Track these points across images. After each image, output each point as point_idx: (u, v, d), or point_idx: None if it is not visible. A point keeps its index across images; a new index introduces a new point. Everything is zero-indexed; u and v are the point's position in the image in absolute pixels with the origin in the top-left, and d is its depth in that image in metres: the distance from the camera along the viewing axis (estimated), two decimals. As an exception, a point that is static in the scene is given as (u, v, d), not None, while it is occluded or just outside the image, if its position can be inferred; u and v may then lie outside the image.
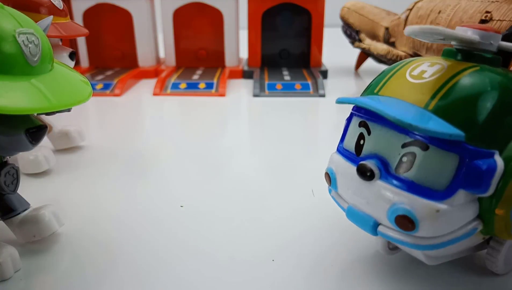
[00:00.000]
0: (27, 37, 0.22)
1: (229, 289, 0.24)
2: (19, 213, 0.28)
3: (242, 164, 0.42)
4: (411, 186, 0.20)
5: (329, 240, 0.29)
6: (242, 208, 0.33)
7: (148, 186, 0.37)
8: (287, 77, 0.72)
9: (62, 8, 0.38)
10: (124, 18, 0.77)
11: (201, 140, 0.48)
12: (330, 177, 0.25)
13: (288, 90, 0.67)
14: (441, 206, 0.20)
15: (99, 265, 0.26)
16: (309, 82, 0.69)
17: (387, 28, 0.72)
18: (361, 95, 0.24)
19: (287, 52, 0.81)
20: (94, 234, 0.30)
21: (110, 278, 0.25)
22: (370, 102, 0.21)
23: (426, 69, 0.22)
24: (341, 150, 0.25)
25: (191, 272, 0.26)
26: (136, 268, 0.26)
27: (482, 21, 0.46)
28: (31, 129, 0.23)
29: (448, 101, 0.20)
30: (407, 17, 0.65)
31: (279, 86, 0.68)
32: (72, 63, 0.39)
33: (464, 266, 0.26)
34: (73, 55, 0.40)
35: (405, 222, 0.20)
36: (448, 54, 0.23)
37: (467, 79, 0.21)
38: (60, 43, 0.41)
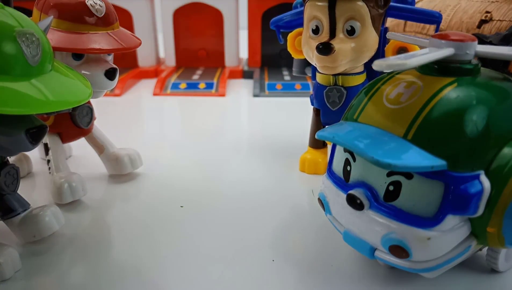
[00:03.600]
0: (27, 37, 0.22)
1: (229, 289, 0.24)
2: (19, 213, 0.28)
3: (242, 164, 0.42)
4: (401, 215, 0.20)
5: (329, 240, 0.29)
6: (242, 208, 0.33)
7: (148, 186, 0.37)
8: (287, 77, 0.72)
9: (102, 15, 0.31)
10: (124, 18, 0.77)
11: (201, 140, 0.48)
12: (322, 203, 0.25)
13: (288, 90, 0.67)
14: (432, 233, 0.20)
15: (99, 265, 0.26)
16: (309, 82, 0.69)
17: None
18: (342, 119, 0.24)
19: (287, 52, 0.80)
20: (94, 234, 0.30)
21: (110, 278, 0.25)
22: (347, 140, 0.20)
23: (403, 92, 0.21)
24: (331, 174, 0.25)
25: (192, 272, 0.26)
26: (136, 267, 0.26)
27: (482, 21, 0.46)
28: (31, 129, 0.23)
29: (426, 130, 0.20)
30: (407, 17, 0.65)
31: (279, 86, 0.68)
32: (110, 83, 0.32)
33: (464, 263, 0.26)
34: (110, 74, 0.32)
35: (399, 250, 0.21)
36: (424, 68, 0.22)
37: (444, 102, 0.20)
38: (108, 58, 0.34)
